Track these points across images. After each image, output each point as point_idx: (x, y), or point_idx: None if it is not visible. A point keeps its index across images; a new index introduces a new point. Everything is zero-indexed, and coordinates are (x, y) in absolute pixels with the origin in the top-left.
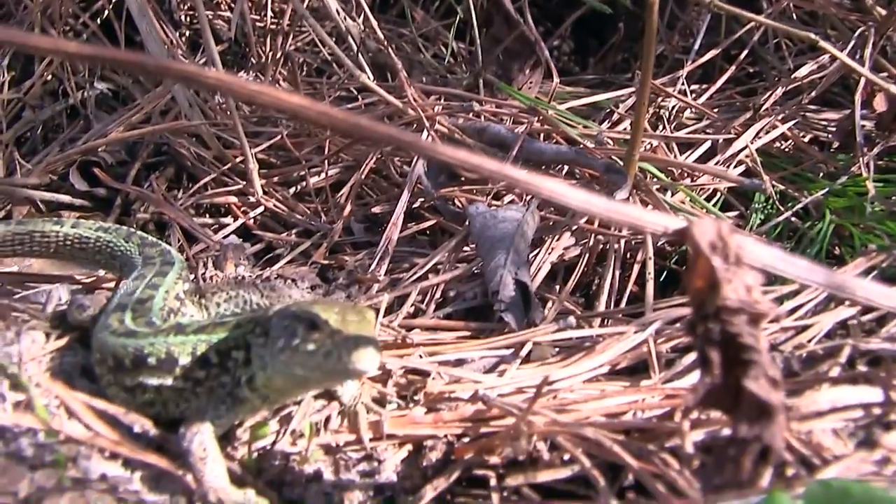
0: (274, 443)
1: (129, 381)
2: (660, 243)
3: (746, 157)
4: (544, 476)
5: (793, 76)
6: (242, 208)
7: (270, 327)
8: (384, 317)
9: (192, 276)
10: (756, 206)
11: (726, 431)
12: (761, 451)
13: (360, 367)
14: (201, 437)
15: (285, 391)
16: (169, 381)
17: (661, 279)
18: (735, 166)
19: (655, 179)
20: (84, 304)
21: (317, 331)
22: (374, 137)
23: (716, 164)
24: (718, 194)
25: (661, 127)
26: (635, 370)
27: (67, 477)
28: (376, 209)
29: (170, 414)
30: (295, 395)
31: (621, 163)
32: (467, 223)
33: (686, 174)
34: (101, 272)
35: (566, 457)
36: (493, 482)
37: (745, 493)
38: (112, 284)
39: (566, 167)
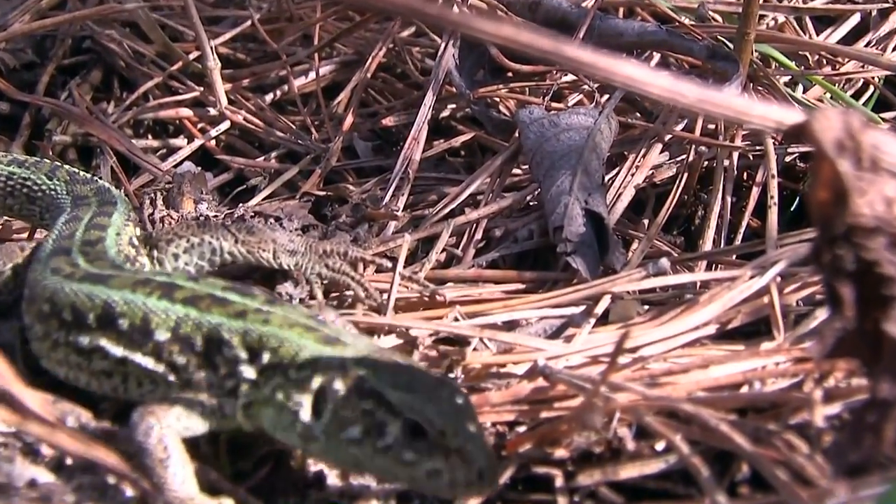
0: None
1: (88, 342)
2: (788, 158)
3: None
4: (628, 472)
5: None
6: (200, 125)
7: (328, 397)
8: (405, 266)
9: (137, 220)
10: None
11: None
12: None
13: (480, 494)
14: (161, 433)
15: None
16: (138, 358)
17: (791, 209)
18: (895, 49)
19: (780, 68)
20: None
21: (423, 439)
22: (390, 9)
23: (867, 45)
24: (871, 88)
25: None
26: (753, 331)
27: None
28: (389, 120)
29: (129, 394)
30: None
31: (731, 46)
32: (517, 135)
33: (825, 61)
34: (7, 220)
35: (659, 445)
36: (559, 482)
37: (890, 474)
38: (25, 236)
39: (654, 53)
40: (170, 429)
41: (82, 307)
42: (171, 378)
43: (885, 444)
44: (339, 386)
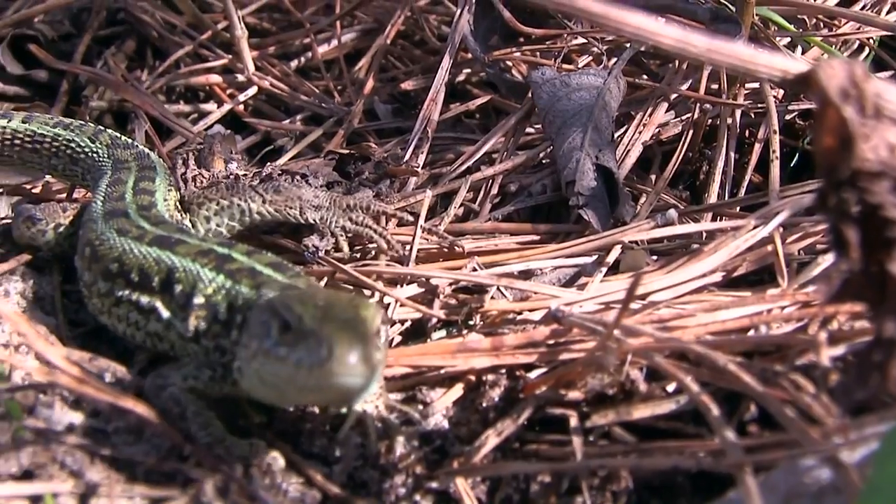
0: None
1: (147, 301)
2: (789, 116)
3: None
4: (641, 412)
5: None
6: (229, 90)
7: (249, 318)
8: (426, 220)
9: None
10: None
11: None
12: None
13: (341, 380)
14: (170, 391)
15: (273, 402)
16: (177, 322)
17: (791, 165)
18: (889, 10)
19: (780, 30)
20: (34, 215)
21: (289, 331)
22: None
23: (862, 8)
24: (866, 50)
25: None
26: (758, 279)
27: (25, 429)
28: (408, 84)
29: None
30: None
31: (733, 8)
32: (530, 95)
33: (822, 23)
34: (49, 179)
35: (670, 387)
36: (573, 422)
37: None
38: (64, 196)
39: (660, 18)
40: (175, 386)
41: (149, 270)
42: (193, 347)
43: (890, 382)
44: (256, 309)
